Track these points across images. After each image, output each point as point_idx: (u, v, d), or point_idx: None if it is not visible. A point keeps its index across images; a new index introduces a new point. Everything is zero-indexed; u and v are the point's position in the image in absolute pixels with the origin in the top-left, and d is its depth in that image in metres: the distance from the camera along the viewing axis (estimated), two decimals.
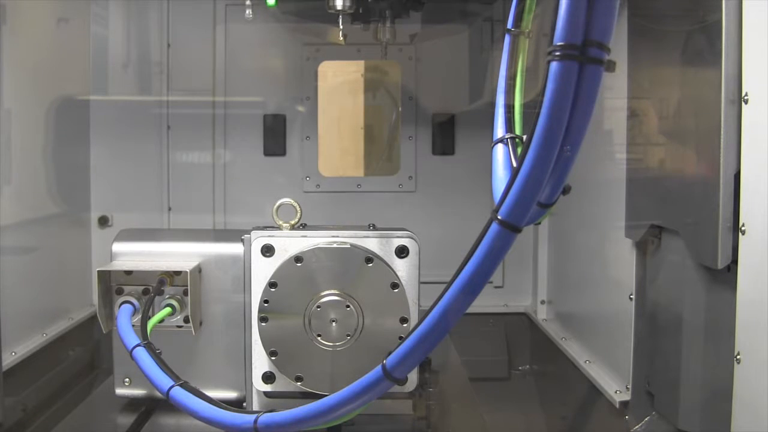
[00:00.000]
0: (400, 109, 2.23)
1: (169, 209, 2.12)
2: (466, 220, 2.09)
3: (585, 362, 1.63)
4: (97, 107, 2.09)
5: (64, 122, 1.92)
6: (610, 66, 0.67)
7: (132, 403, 1.28)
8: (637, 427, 1.34)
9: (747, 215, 0.97)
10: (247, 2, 1.57)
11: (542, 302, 2.07)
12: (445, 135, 2.19)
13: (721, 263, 1.02)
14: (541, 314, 2.06)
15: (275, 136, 2.16)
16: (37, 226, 1.78)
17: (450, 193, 2.17)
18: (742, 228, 0.97)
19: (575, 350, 1.73)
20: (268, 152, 2.16)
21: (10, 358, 1.56)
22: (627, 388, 1.41)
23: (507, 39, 0.97)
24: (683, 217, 1.15)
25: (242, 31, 2.13)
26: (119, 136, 2.09)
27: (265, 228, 1.15)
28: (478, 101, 2.15)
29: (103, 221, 2.10)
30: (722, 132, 1.00)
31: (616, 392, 1.43)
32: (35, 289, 1.75)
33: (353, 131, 2.40)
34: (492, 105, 0.98)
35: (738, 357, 0.97)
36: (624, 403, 1.40)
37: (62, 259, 1.93)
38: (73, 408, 1.33)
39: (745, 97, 0.97)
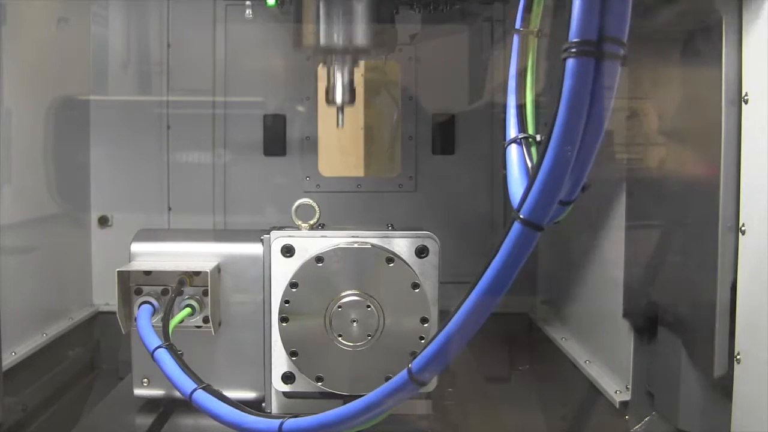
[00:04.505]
0: (400, 109, 2.23)
1: (169, 209, 2.12)
2: (466, 220, 2.09)
3: (585, 362, 1.63)
4: (97, 107, 2.08)
5: (64, 122, 1.92)
6: (626, 61, 0.67)
7: (149, 404, 1.28)
8: (637, 427, 1.33)
9: (747, 215, 0.97)
10: (247, 2, 1.57)
11: (542, 302, 2.07)
12: (445, 135, 2.19)
13: (722, 264, 1.02)
14: (541, 314, 2.06)
15: (275, 136, 2.16)
16: (37, 226, 1.77)
17: (450, 193, 2.17)
18: (742, 228, 0.97)
19: (575, 350, 1.73)
20: (268, 152, 2.16)
21: (10, 358, 1.56)
22: (627, 388, 1.40)
23: (516, 39, 0.97)
24: (683, 217, 1.15)
25: (242, 31, 2.13)
26: (119, 136, 2.09)
27: (282, 228, 1.15)
28: (478, 101, 2.15)
29: (103, 221, 2.10)
30: (722, 132, 1.00)
31: (616, 392, 1.43)
32: (35, 289, 1.75)
33: (353, 131, 2.39)
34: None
35: (738, 357, 0.97)
36: (624, 403, 1.40)
37: (62, 259, 1.93)
38: (73, 408, 1.33)
39: (745, 98, 0.97)
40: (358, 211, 2.15)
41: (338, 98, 1.40)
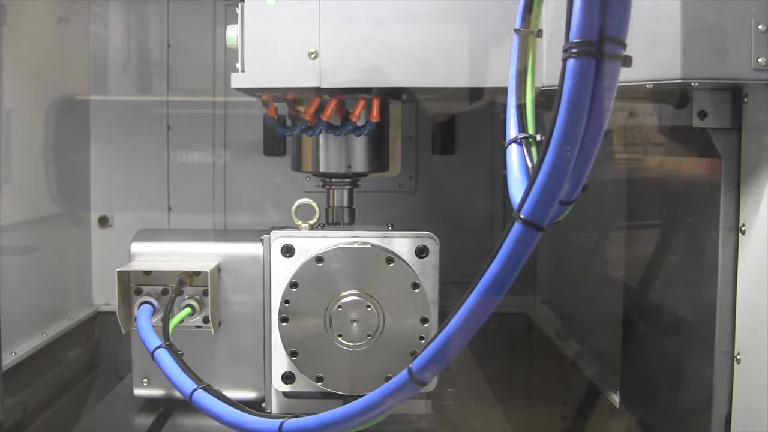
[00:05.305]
0: (400, 109, 2.22)
1: (169, 209, 2.12)
2: (466, 220, 2.09)
3: (585, 362, 1.63)
4: (97, 107, 2.08)
5: (64, 122, 1.92)
6: (627, 61, 0.67)
7: (149, 404, 1.28)
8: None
9: (747, 215, 0.97)
10: None
11: (542, 302, 2.07)
12: (445, 135, 2.19)
13: (722, 264, 1.02)
14: (541, 314, 2.06)
15: (275, 136, 2.15)
16: (37, 226, 1.77)
17: (450, 193, 2.17)
18: (742, 228, 0.97)
19: (575, 350, 1.73)
20: (268, 152, 2.16)
21: (10, 358, 1.56)
22: (615, 392, 1.40)
23: (516, 39, 0.97)
24: (683, 217, 1.15)
25: None
26: (119, 136, 2.09)
27: (282, 228, 1.15)
28: (478, 101, 2.15)
29: (103, 221, 2.10)
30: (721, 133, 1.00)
31: (616, 392, 1.43)
32: (35, 289, 1.75)
33: None
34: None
35: (738, 357, 0.97)
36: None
37: (62, 259, 1.93)
38: (73, 408, 1.33)
39: (745, 99, 0.98)
40: (358, 210, 2.15)
41: (339, 220, 1.44)
